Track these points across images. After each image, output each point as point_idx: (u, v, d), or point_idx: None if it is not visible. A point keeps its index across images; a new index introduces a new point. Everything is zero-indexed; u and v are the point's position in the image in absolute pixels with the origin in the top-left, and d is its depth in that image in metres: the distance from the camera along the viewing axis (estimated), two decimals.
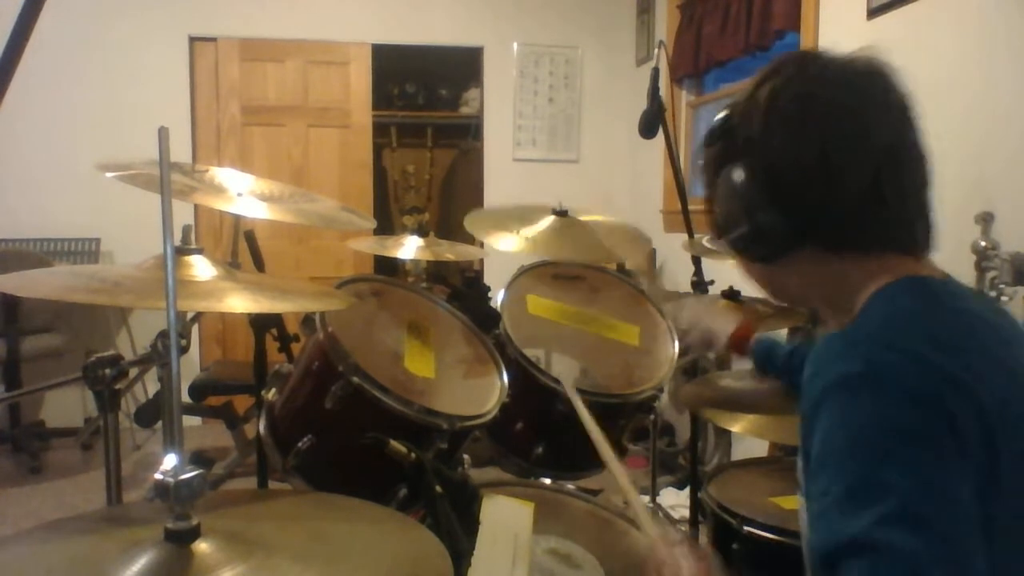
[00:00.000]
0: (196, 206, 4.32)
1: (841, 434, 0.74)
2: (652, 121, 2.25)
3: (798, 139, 0.85)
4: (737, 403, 1.67)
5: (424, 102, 5.41)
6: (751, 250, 0.90)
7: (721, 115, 0.92)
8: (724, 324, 1.45)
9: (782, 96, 0.86)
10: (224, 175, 1.65)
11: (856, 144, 0.84)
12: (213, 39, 4.49)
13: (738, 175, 0.87)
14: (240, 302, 1.20)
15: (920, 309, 0.82)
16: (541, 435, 1.61)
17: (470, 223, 2.07)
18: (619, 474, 1.22)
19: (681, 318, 1.65)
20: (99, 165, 1.49)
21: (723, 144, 0.91)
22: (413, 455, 1.22)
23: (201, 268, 1.21)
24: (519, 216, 2.06)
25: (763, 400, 1.62)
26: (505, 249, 1.96)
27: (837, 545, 0.70)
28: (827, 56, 0.88)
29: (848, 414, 0.74)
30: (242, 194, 1.58)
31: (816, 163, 0.84)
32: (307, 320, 1.37)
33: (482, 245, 3.42)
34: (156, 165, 0.92)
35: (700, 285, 2.28)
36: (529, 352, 1.61)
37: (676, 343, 1.78)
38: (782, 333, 2.46)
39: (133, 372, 1.27)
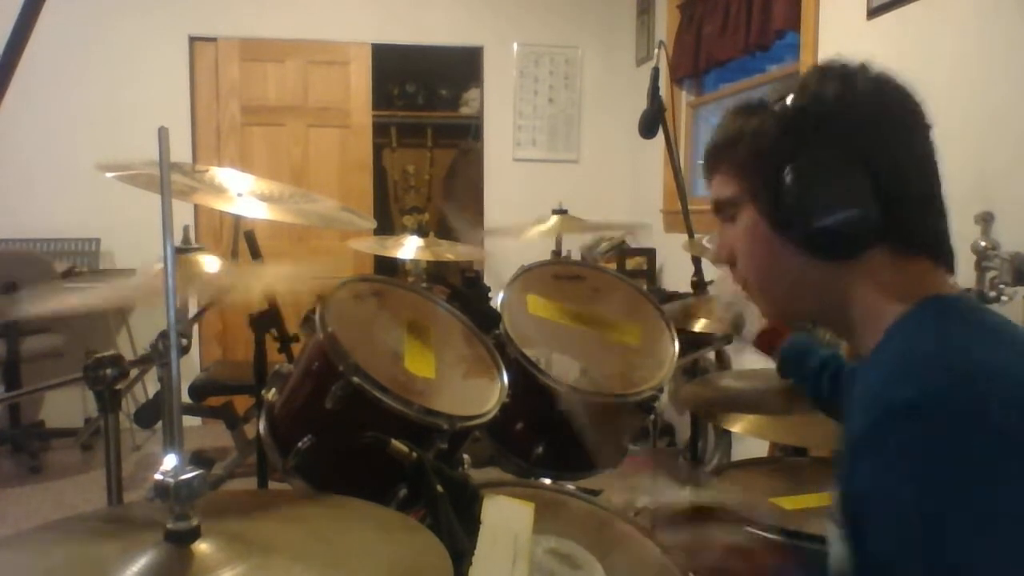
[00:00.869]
0: (196, 206, 4.32)
1: (901, 475, 0.70)
2: (652, 121, 2.25)
3: (909, 132, 0.84)
4: (737, 403, 1.67)
5: (424, 102, 5.41)
6: (838, 239, 0.83)
7: (807, 97, 0.84)
8: (759, 316, 1.39)
9: (886, 90, 0.85)
10: (224, 175, 1.65)
11: (934, 149, 0.85)
12: (213, 39, 4.50)
13: (843, 159, 0.82)
14: (255, 283, 1.21)
15: (967, 330, 0.80)
16: (541, 435, 1.61)
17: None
18: None
19: (725, 291, 1.57)
20: (99, 165, 1.49)
21: (816, 126, 0.83)
22: (414, 455, 1.22)
23: (208, 263, 1.22)
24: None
25: (763, 400, 1.62)
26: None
27: None
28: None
29: (907, 449, 0.70)
30: (242, 194, 1.58)
31: (920, 159, 0.84)
32: (307, 320, 1.37)
33: (483, 245, 3.43)
34: (156, 165, 0.92)
35: (700, 286, 2.28)
36: (529, 352, 1.61)
37: (676, 343, 1.78)
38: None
39: (133, 372, 1.27)
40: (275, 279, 1.52)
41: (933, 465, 0.69)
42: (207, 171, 1.63)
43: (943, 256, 0.86)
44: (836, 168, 0.82)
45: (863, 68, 0.86)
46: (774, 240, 0.87)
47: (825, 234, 0.82)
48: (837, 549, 0.82)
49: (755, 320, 1.34)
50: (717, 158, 0.93)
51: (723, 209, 0.93)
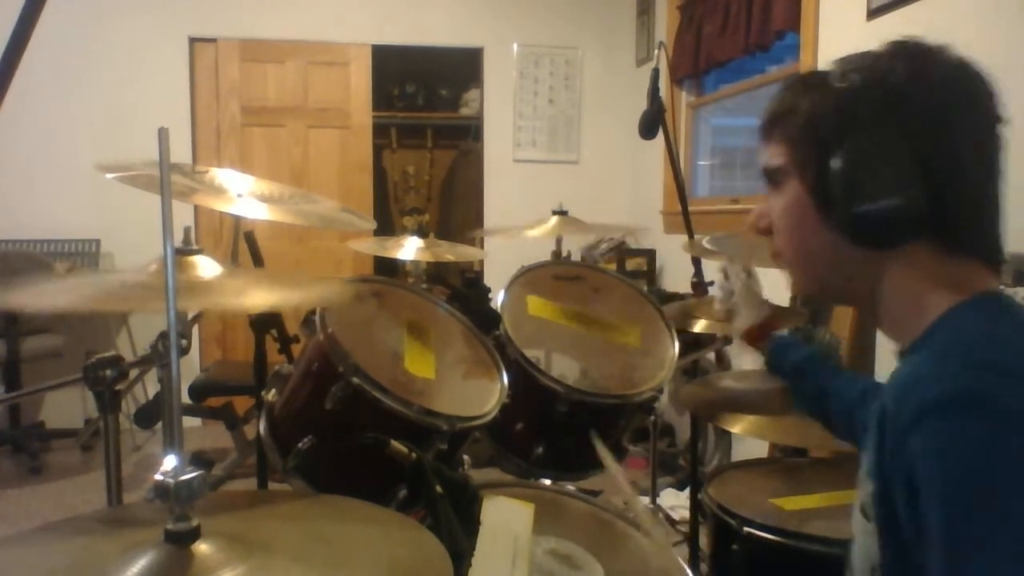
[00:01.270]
0: (196, 207, 4.32)
1: (951, 468, 0.69)
2: (652, 122, 2.24)
3: (974, 128, 0.81)
4: (737, 404, 1.67)
5: (424, 103, 5.41)
6: (879, 228, 0.81)
7: (872, 78, 0.81)
8: (751, 312, 1.41)
9: (960, 79, 0.82)
10: (224, 176, 1.65)
11: (999, 147, 0.82)
12: (213, 40, 4.50)
13: (896, 148, 0.79)
14: (249, 298, 1.20)
15: (1009, 328, 0.79)
16: (541, 436, 1.61)
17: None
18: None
19: (728, 282, 1.53)
20: (99, 166, 1.49)
21: (874, 110, 0.80)
22: (413, 456, 1.22)
23: (205, 267, 1.21)
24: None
25: (763, 401, 1.62)
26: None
27: None
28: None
29: (953, 443, 0.69)
30: (242, 195, 1.59)
31: (982, 157, 0.81)
32: (307, 321, 1.37)
33: (483, 246, 3.44)
34: (156, 166, 0.92)
35: (700, 286, 2.27)
36: (529, 353, 1.61)
37: (676, 343, 1.78)
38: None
39: (133, 373, 1.27)
40: None
41: (979, 457, 0.68)
42: (207, 172, 1.63)
43: (992, 258, 0.84)
44: (886, 156, 0.79)
45: (941, 51, 0.83)
46: (814, 218, 0.85)
47: (864, 221, 0.81)
48: (865, 542, 0.82)
49: (747, 317, 1.36)
50: (771, 126, 0.91)
51: (770, 177, 0.92)
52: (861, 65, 0.83)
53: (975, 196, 0.82)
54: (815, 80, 0.87)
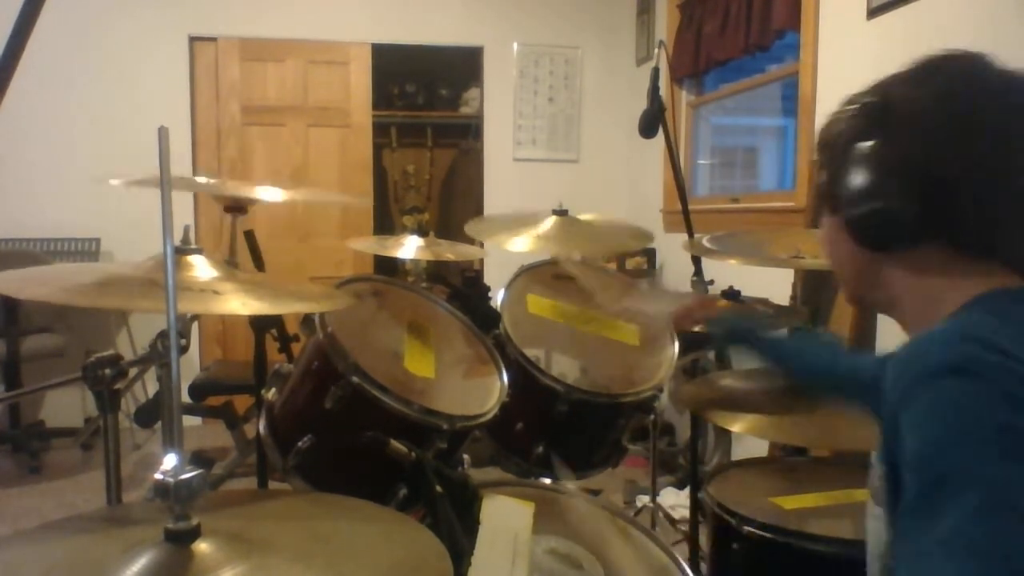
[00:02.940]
0: (196, 206, 4.33)
1: (933, 428, 0.70)
2: (652, 121, 2.24)
3: (971, 129, 0.82)
4: (737, 403, 1.67)
5: (424, 102, 5.41)
6: (879, 232, 0.85)
7: (883, 92, 0.86)
8: (665, 305, 1.53)
9: (958, 83, 0.84)
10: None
11: (1020, 148, 0.82)
12: (213, 39, 4.49)
13: (897, 150, 0.83)
14: (240, 304, 1.19)
15: (1020, 316, 0.79)
16: (541, 435, 1.61)
17: (472, 229, 2.08)
18: None
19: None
20: (105, 175, 1.49)
21: (878, 116, 0.85)
22: (413, 455, 1.22)
23: (201, 268, 1.21)
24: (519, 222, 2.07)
25: (763, 400, 1.62)
26: (517, 249, 1.95)
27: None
28: (991, 60, 0.86)
29: (942, 407, 0.71)
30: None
31: (986, 157, 0.82)
32: (307, 320, 1.37)
33: (482, 245, 3.44)
34: (156, 171, 0.92)
35: (700, 285, 2.27)
36: (529, 352, 1.61)
37: (676, 343, 1.78)
38: (782, 334, 2.45)
39: (133, 372, 1.27)
40: None
41: (960, 419, 0.69)
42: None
43: (1015, 261, 0.83)
44: (888, 164, 0.83)
45: (983, 66, 0.84)
46: (837, 231, 0.90)
47: (860, 222, 0.86)
48: (876, 527, 0.82)
49: (661, 308, 1.54)
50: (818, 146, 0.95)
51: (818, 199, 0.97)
52: (871, 89, 0.88)
53: (990, 205, 0.81)
54: (837, 111, 0.92)
